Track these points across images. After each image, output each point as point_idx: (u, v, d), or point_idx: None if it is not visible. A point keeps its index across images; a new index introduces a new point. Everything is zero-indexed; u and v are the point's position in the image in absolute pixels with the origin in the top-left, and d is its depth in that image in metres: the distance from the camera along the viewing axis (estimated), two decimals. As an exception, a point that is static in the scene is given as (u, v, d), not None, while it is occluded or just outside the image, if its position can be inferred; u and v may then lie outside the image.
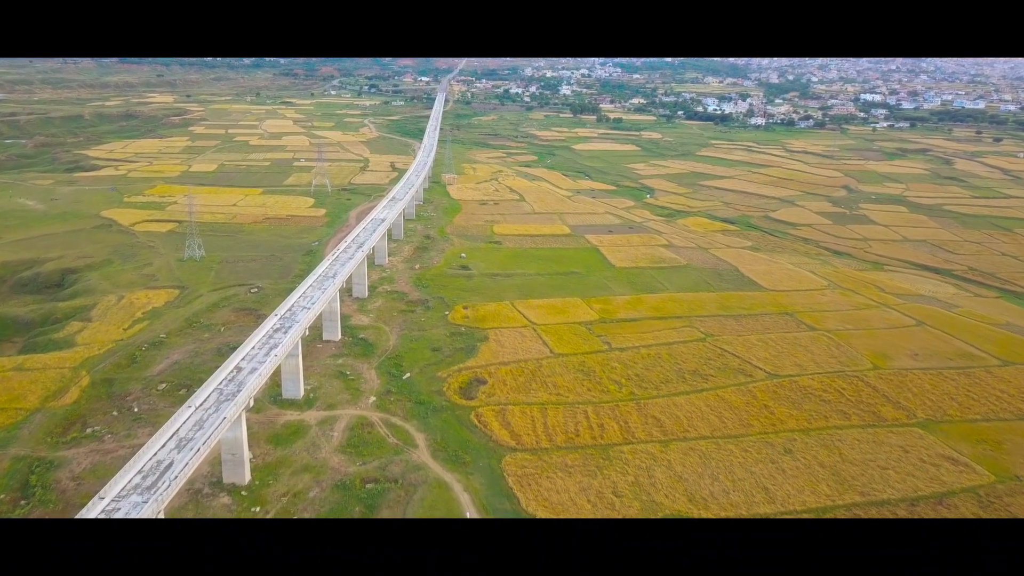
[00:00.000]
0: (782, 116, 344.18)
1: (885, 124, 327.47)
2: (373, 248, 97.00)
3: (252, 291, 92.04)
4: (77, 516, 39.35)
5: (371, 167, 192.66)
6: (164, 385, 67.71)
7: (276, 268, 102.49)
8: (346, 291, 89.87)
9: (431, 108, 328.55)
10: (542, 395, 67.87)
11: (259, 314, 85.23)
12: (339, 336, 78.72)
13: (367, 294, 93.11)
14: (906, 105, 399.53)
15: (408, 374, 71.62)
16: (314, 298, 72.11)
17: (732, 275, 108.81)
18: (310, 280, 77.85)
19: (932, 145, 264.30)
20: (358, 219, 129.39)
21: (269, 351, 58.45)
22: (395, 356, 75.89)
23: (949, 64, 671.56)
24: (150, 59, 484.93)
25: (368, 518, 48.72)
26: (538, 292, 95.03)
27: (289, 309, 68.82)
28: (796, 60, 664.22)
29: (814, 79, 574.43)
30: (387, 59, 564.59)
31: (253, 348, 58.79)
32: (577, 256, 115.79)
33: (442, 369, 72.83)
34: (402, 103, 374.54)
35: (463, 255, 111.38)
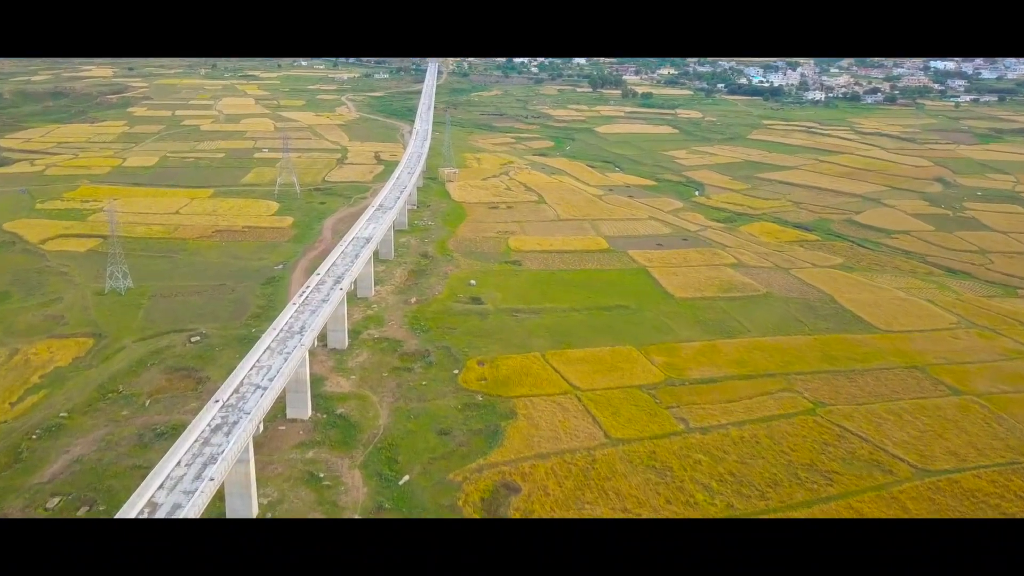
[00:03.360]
0: (843, 89, 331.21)
1: (967, 98, 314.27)
2: (356, 279, 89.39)
3: (192, 340, 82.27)
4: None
5: (350, 158, 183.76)
6: (57, 501, 54.58)
7: (227, 304, 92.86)
8: (319, 338, 78.64)
9: (421, 81, 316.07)
10: (602, 509, 54.56)
11: (200, 377, 73.96)
12: (309, 412, 66.54)
13: (347, 343, 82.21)
14: (987, 74, 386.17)
15: (406, 476, 59.04)
16: (273, 370, 58.79)
17: (828, 308, 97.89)
18: (268, 339, 66.49)
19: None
20: (335, 233, 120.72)
21: (202, 470, 44.34)
22: (387, 444, 63.27)
23: None
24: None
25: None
26: (577, 337, 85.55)
27: (237, 389, 55.41)
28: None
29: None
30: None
31: (181, 463, 44.93)
32: (622, 281, 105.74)
33: (455, 467, 59.92)
34: (386, 76, 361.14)
35: (472, 282, 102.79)
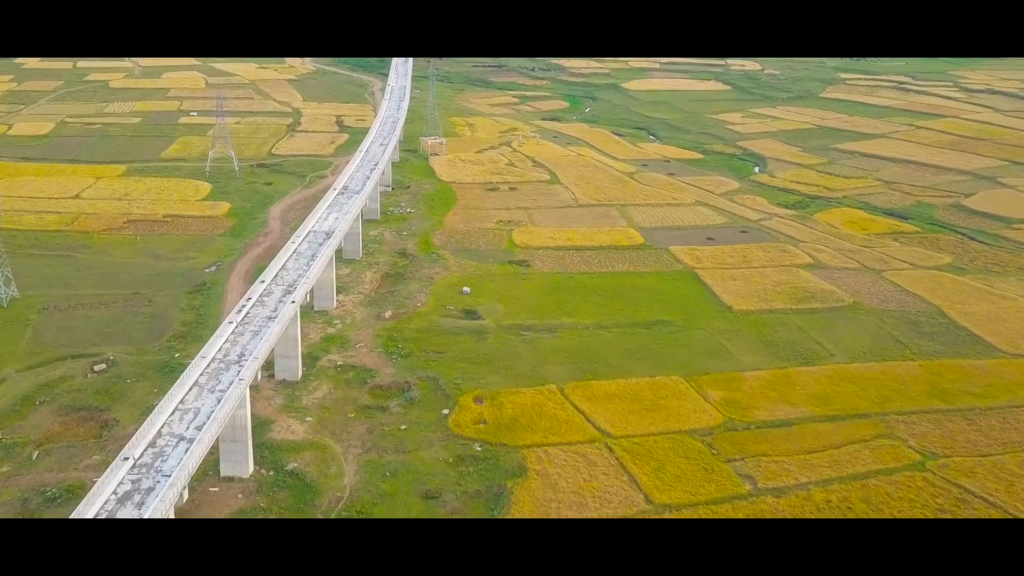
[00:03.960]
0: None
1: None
2: (312, 287, 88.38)
3: (96, 369, 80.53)
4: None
5: (305, 125, 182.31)
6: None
7: (142, 321, 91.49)
8: (265, 366, 77.48)
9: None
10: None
11: (105, 420, 74.36)
12: (250, 468, 66.06)
13: (301, 373, 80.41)
14: None
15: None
16: (202, 415, 59.36)
17: (936, 323, 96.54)
18: (195, 371, 64.41)
19: None
20: (286, 223, 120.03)
21: None
22: (355, 512, 63.65)
23: None
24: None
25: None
26: (605, 364, 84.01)
27: (153, 442, 55.77)
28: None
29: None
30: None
31: None
32: (663, 288, 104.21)
33: (446, 545, 56.39)
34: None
35: (465, 289, 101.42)
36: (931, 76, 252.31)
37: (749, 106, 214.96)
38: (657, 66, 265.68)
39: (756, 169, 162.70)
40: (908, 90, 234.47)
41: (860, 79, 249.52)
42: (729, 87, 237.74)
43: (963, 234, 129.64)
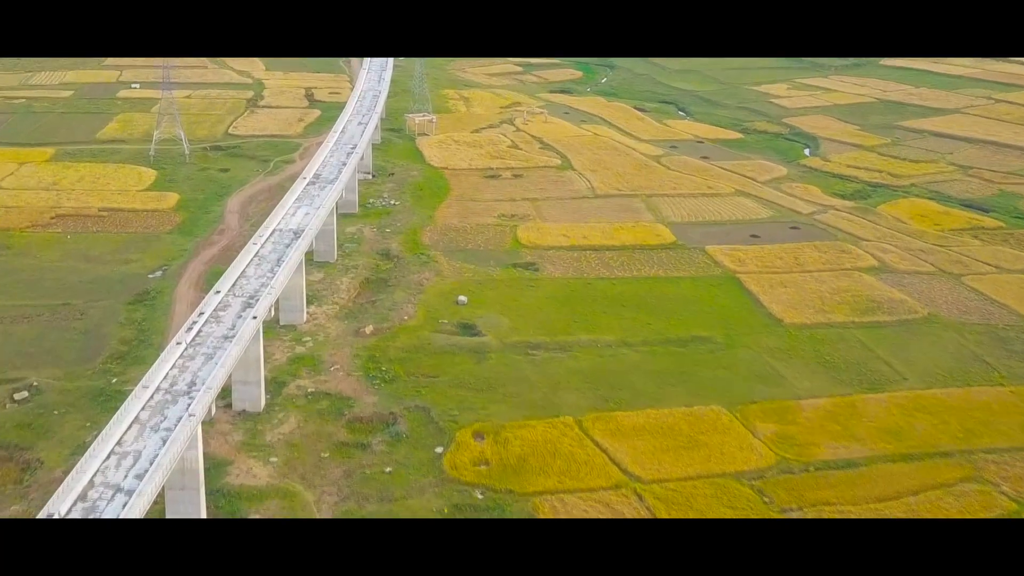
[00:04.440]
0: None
1: None
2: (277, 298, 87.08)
3: (17, 398, 79.29)
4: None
5: (268, 99, 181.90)
6: None
7: (73, 337, 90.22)
8: (221, 394, 75.17)
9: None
10: None
11: (26, 460, 73.95)
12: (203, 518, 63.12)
13: (263, 402, 78.89)
14: None
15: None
16: (144, 459, 57.83)
17: None
18: (136, 405, 62.68)
19: None
20: (245, 218, 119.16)
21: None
22: None
23: None
24: None
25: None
26: (631, 390, 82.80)
27: (83, 495, 54.31)
28: None
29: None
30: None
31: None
32: (699, 297, 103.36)
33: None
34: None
35: (462, 299, 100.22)
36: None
37: (796, 75, 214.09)
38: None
39: (806, 151, 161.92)
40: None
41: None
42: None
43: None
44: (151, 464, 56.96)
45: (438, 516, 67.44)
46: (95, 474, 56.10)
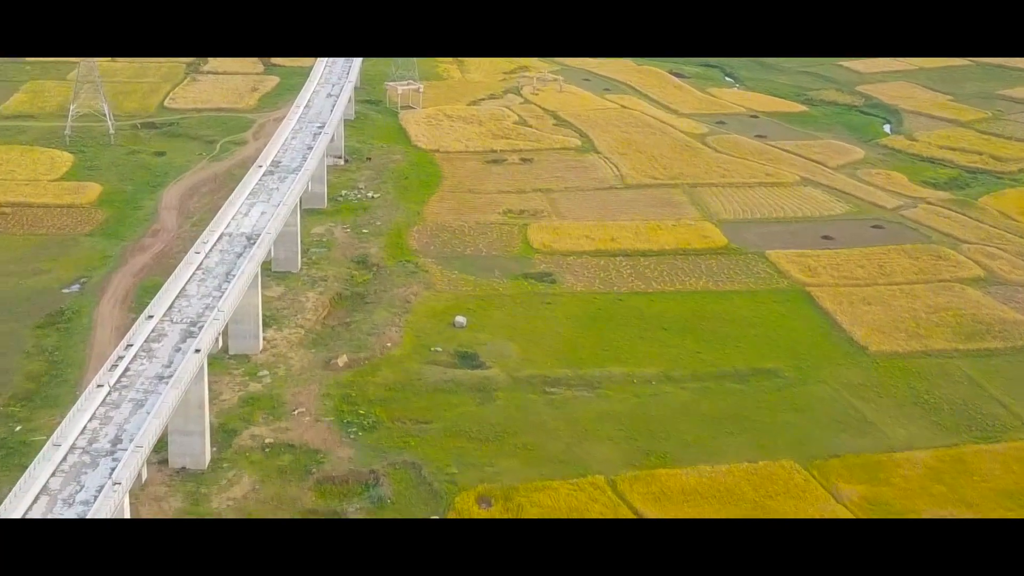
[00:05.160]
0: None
1: None
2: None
3: None
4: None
5: (213, 63, 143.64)
6: None
7: None
8: (157, 447, 54.99)
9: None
10: None
11: None
12: None
13: (208, 458, 58.11)
14: None
15: None
16: None
17: None
18: (45, 471, 44.86)
19: None
20: (185, 216, 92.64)
21: None
22: None
23: None
24: None
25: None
26: (677, 441, 61.50)
27: None
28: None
29: None
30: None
31: None
32: (760, 317, 77.91)
33: None
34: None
35: (460, 320, 75.17)
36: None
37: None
38: None
39: (887, 129, 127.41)
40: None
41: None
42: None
43: None
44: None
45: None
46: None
